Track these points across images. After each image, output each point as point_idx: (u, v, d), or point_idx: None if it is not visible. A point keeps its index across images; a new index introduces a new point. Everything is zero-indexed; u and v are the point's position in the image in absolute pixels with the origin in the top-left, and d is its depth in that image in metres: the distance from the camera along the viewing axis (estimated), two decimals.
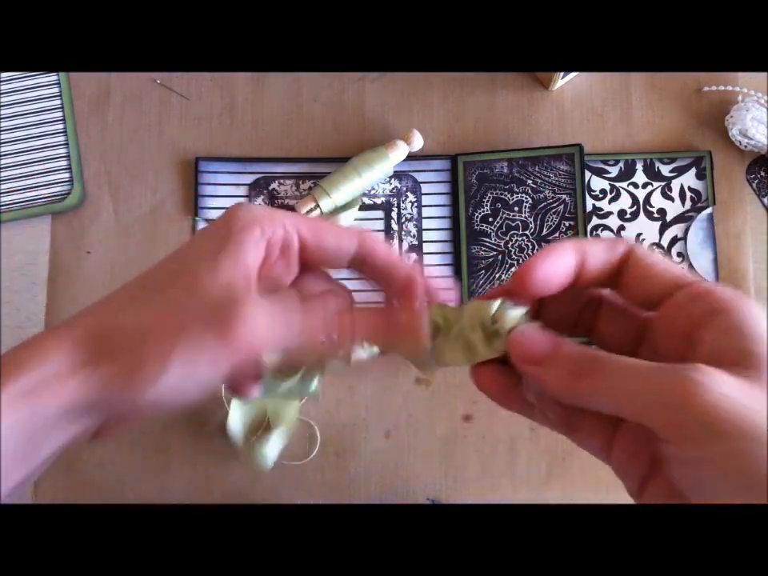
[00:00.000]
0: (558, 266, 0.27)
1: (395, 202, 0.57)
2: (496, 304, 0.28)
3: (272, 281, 0.30)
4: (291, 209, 0.56)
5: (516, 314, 0.28)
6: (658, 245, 0.56)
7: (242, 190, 0.57)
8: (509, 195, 0.57)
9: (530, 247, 0.56)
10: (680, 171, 0.57)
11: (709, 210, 0.57)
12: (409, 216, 0.57)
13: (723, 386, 0.22)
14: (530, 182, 0.57)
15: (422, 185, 0.57)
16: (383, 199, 0.57)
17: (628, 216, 0.57)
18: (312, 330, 0.29)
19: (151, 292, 0.29)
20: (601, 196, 0.57)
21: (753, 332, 0.24)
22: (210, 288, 0.27)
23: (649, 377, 0.24)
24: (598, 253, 0.28)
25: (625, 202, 0.57)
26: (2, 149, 0.57)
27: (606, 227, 0.57)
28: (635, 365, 0.24)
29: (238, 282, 0.28)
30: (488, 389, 0.29)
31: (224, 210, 0.30)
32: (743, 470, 0.22)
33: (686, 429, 0.23)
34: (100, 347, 0.27)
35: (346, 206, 0.56)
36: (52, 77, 0.58)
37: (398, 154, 0.55)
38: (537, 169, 0.57)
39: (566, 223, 0.56)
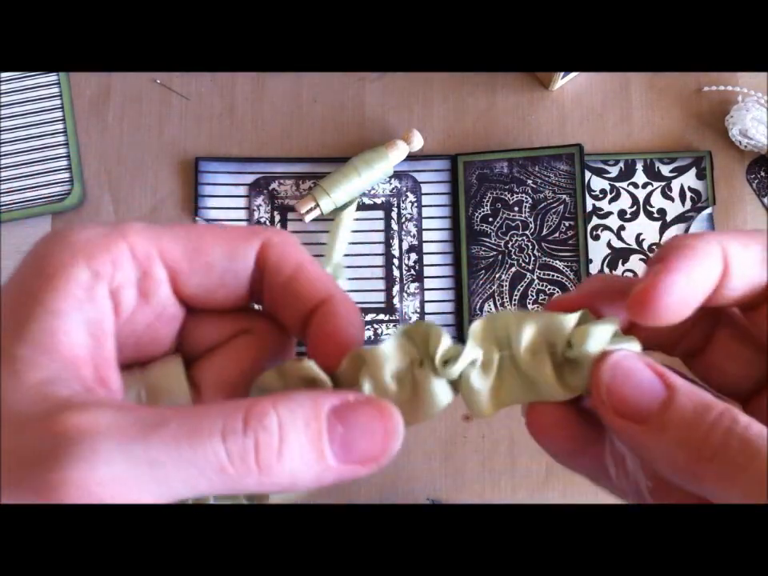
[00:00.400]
0: (698, 281, 0.18)
1: (395, 202, 0.57)
2: (574, 318, 0.19)
3: (136, 346, 0.20)
4: (291, 209, 0.56)
5: (605, 333, 0.18)
6: (659, 245, 0.56)
7: (242, 190, 0.57)
8: (509, 195, 0.57)
9: (530, 247, 0.56)
10: (680, 171, 0.57)
11: (709, 210, 0.57)
12: (409, 216, 0.57)
13: None
14: (529, 182, 0.57)
15: (422, 185, 0.57)
16: (383, 199, 0.57)
17: (628, 216, 0.57)
18: (210, 459, 0.17)
19: None
20: (601, 196, 0.57)
21: None
22: (15, 406, 0.16)
23: None
24: (748, 261, 0.18)
25: (625, 202, 0.57)
26: (2, 149, 0.57)
27: (606, 227, 0.57)
28: None
29: (60, 379, 0.17)
30: (549, 441, 0.20)
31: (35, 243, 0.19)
32: None
33: None
34: None
35: (345, 206, 0.56)
36: (52, 77, 0.58)
37: (397, 153, 0.55)
38: (537, 169, 0.57)
39: (566, 223, 0.56)
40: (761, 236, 0.18)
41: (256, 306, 0.22)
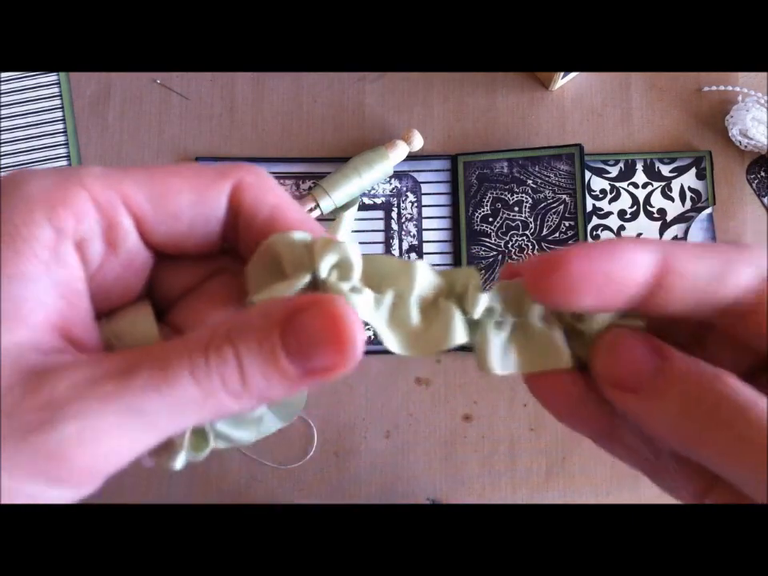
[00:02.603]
0: (604, 271, 0.17)
1: (395, 202, 0.57)
2: None
3: (105, 296, 0.19)
4: None
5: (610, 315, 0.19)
6: None
7: None
8: (509, 195, 0.57)
9: (530, 247, 0.56)
10: (680, 171, 0.57)
11: (709, 210, 0.57)
12: (409, 216, 0.57)
13: None
14: (530, 182, 0.57)
15: (422, 185, 0.57)
16: (383, 199, 0.57)
17: (628, 216, 0.57)
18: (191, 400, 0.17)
19: None
20: (601, 196, 0.57)
21: None
22: None
23: None
24: (698, 267, 0.17)
25: (625, 201, 0.57)
26: (2, 149, 0.57)
27: (606, 227, 0.57)
28: None
29: (31, 347, 0.16)
30: (553, 402, 0.20)
31: None
32: None
33: None
34: None
35: (345, 206, 0.56)
36: (52, 77, 0.58)
37: (398, 153, 0.55)
38: (537, 169, 0.57)
39: (566, 223, 0.56)
40: (722, 249, 0.18)
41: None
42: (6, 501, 0.17)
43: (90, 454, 0.16)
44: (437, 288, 0.20)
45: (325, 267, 0.18)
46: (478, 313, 0.19)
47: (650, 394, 0.17)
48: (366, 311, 0.18)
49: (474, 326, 0.20)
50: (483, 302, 0.19)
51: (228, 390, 0.17)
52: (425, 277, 0.19)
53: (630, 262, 0.17)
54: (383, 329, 0.19)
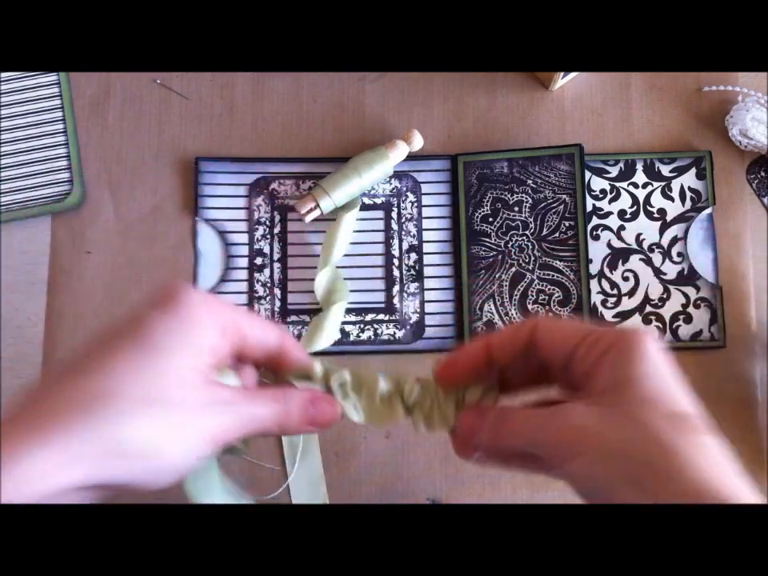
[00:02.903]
0: (469, 363, 0.34)
1: (395, 202, 0.57)
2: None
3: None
4: (291, 209, 0.56)
5: (477, 392, 0.34)
6: (658, 245, 0.56)
7: (242, 190, 0.57)
8: (509, 195, 0.57)
9: (530, 247, 0.56)
10: (680, 171, 0.57)
11: (709, 210, 0.57)
12: (409, 216, 0.57)
13: (581, 418, 0.29)
14: (530, 182, 0.57)
15: (422, 185, 0.57)
16: (383, 199, 0.57)
17: (628, 216, 0.57)
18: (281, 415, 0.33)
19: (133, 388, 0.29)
20: (601, 196, 0.57)
21: (626, 364, 0.30)
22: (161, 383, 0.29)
23: (538, 420, 0.31)
24: (505, 340, 0.33)
25: (625, 202, 0.57)
26: (2, 149, 0.57)
27: (606, 227, 0.57)
28: (529, 413, 0.31)
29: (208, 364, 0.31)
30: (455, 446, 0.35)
31: (161, 289, 0.31)
32: (593, 481, 0.29)
33: (559, 451, 0.30)
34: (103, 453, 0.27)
35: (345, 207, 0.56)
36: (52, 77, 0.58)
37: (398, 153, 0.55)
38: (537, 169, 0.57)
39: (566, 223, 0.56)
40: (512, 326, 0.35)
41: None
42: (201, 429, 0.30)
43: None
44: (390, 387, 0.35)
45: (333, 382, 0.34)
46: (410, 402, 0.35)
47: (479, 433, 0.33)
48: (346, 405, 0.34)
49: (409, 408, 0.35)
50: (413, 396, 0.35)
51: (279, 415, 0.33)
52: (383, 383, 0.34)
53: (465, 360, 0.34)
54: (352, 411, 0.34)
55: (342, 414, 0.34)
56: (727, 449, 0.30)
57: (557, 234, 0.56)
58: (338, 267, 0.56)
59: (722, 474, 0.29)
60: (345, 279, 0.56)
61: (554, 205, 0.56)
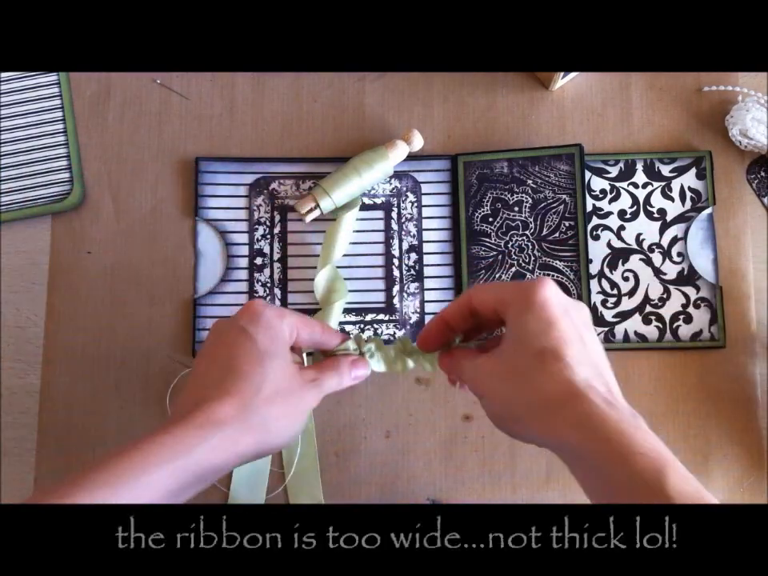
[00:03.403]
0: (433, 334, 0.43)
1: (395, 202, 0.57)
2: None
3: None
4: (291, 209, 0.56)
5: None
6: (658, 245, 0.56)
7: (242, 190, 0.57)
8: (509, 195, 0.57)
9: (530, 247, 0.56)
10: (680, 171, 0.57)
11: (709, 210, 0.57)
12: (409, 216, 0.57)
13: (481, 368, 0.40)
14: (530, 182, 0.57)
15: (422, 185, 0.57)
16: (383, 199, 0.57)
17: (628, 216, 0.57)
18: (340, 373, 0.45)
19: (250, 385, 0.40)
20: (601, 196, 0.57)
21: (515, 315, 0.38)
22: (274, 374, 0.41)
23: (469, 367, 0.41)
24: (453, 311, 0.42)
25: (625, 201, 0.57)
26: (2, 149, 0.57)
27: (606, 227, 0.57)
28: (468, 361, 0.41)
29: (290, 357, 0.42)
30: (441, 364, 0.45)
31: (246, 308, 0.42)
32: (492, 415, 0.40)
33: (475, 392, 0.41)
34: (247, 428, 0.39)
35: (346, 206, 0.56)
36: (52, 77, 0.58)
37: (398, 153, 0.55)
38: (537, 169, 0.57)
39: (566, 223, 0.56)
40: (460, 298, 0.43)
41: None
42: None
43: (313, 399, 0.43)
44: (398, 348, 0.46)
45: (364, 349, 0.46)
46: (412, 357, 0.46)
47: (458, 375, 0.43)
48: (372, 363, 0.46)
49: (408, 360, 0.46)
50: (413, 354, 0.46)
51: (335, 384, 0.44)
52: (390, 348, 0.46)
53: (434, 330, 0.44)
54: (377, 365, 0.46)
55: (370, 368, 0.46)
56: (580, 369, 0.36)
57: (557, 234, 0.56)
58: (338, 267, 0.56)
59: (572, 384, 0.35)
60: (345, 279, 0.56)
61: (554, 205, 0.56)
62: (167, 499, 0.35)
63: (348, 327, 0.56)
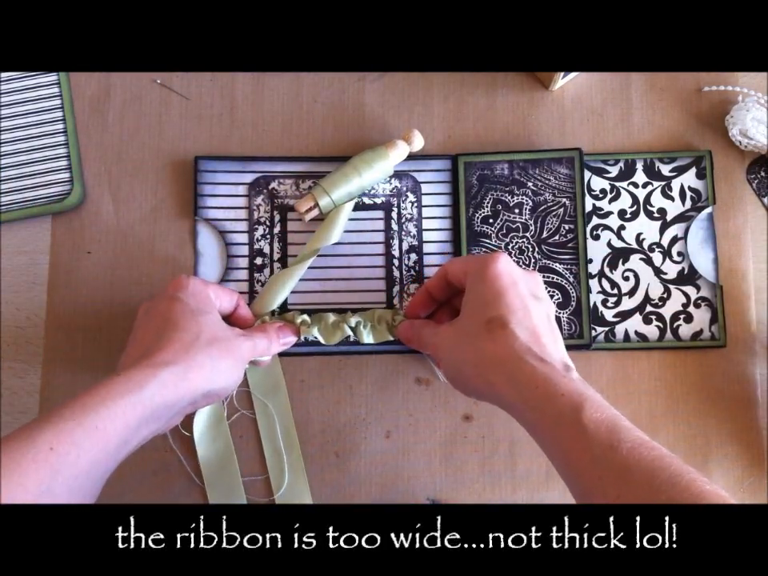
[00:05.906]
0: (419, 303, 0.52)
1: (395, 202, 0.57)
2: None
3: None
4: (291, 209, 0.56)
5: (399, 315, 0.55)
6: (658, 244, 0.56)
7: (242, 190, 0.57)
8: (509, 197, 0.57)
9: (530, 249, 0.56)
10: (680, 171, 0.57)
11: (709, 210, 0.57)
12: (409, 216, 0.57)
13: (440, 336, 0.46)
14: (530, 184, 0.57)
15: (422, 185, 0.57)
16: (383, 199, 0.57)
17: (628, 216, 0.57)
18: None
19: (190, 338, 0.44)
20: (601, 196, 0.57)
21: (471, 286, 0.45)
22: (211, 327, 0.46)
23: (429, 334, 0.48)
24: (433, 283, 0.50)
25: (625, 201, 0.57)
26: (2, 149, 0.57)
27: (606, 227, 0.57)
28: (429, 329, 0.49)
29: (218, 326, 0.47)
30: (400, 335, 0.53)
31: (176, 281, 0.48)
32: (451, 380, 0.46)
33: (435, 358, 0.50)
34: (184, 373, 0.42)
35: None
36: (52, 77, 0.58)
37: (398, 153, 0.55)
38: (537, 171, 0.57)
39: (566, 226, 0.56)
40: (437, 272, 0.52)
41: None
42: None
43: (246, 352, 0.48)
44: (336, 319, 0.54)
45: (296, 320, 0.53)
46: (352, 325, 0.53)
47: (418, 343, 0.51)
48: (310, 331, 0.53)
49: (352, 329, 0.53)
50: (353, 323, 0.53)
51: (266, 346, 0.50)
52: (332, 317, 0.54)
53: (422, 300, 0.52)
54: (315, 335, 0.53)
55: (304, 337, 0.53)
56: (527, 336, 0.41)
57: (556, 237, 0.56)
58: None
59: (511, 348, 0.41)
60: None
61: (554, 208, 0.56)
62: (128, 435, 0.38)
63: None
